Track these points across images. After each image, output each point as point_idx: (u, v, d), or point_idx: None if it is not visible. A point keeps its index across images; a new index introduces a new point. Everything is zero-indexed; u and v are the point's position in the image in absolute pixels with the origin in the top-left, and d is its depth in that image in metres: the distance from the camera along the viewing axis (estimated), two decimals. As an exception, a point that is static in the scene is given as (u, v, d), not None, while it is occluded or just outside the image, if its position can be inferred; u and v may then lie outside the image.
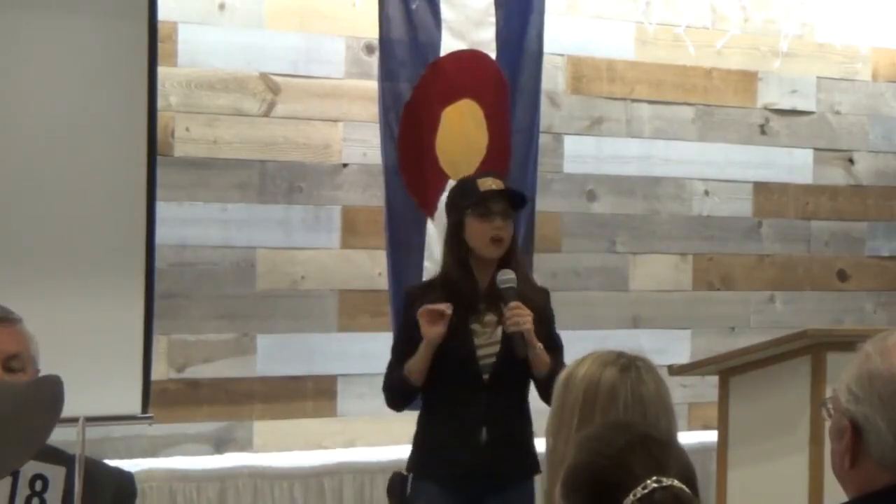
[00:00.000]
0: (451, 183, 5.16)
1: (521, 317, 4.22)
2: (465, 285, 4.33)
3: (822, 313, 6.53)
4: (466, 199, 4.35)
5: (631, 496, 1.78)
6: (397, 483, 4.33)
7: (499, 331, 4.31)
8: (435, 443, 4.35)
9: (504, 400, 4.35)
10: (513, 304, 4.24)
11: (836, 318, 6.58)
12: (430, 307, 4.25)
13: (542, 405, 4.36)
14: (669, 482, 1.79)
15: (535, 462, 4.43)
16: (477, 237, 4.31)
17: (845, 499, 2.19)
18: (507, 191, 4.39)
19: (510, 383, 4.35)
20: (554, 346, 4.36)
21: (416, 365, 4.28)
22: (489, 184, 4.38)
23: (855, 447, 2.14)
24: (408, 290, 4.60)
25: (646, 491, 1.78)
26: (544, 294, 4.51)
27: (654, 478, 1.79)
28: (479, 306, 4.33)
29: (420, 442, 4.42)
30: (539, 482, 4.47)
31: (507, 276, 4.30)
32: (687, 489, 1.80)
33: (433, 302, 4.26)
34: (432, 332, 4.23)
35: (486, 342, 4.32)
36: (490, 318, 4.33)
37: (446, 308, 4.24)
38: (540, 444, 4.51)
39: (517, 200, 4.43)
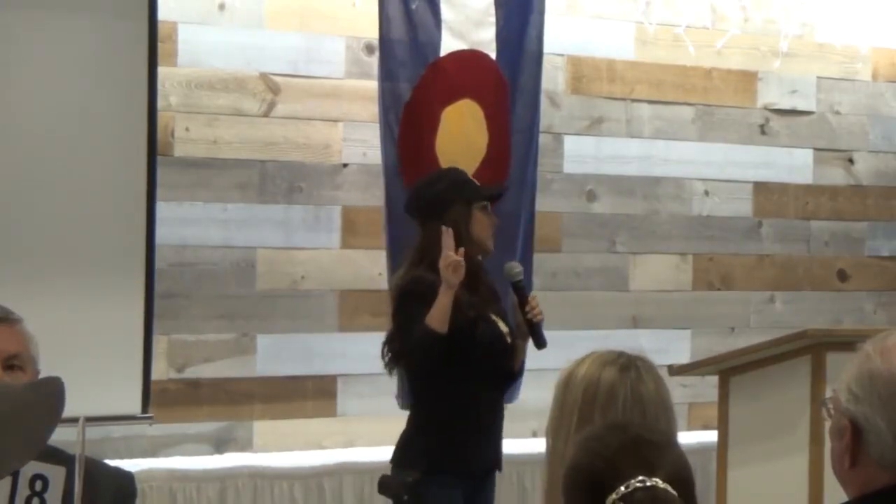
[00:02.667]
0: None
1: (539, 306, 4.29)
2: (483, 278, 4.35)
3: (822, 313, 6.53)
4: (472, 194, 4.38)
5: (613, 495, 1.80)
6: (414, 488, 4.20)
7: (500, 323, 4.33)
8: (463, 438, 4.27)
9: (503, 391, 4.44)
10: (533, 293, 4.29)
11: (836, 318, 6.58)
12: (455, 256, 4.16)
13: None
14: (653, 482, 1.80)
15: None
16: (484, 230, 4.35)
17: (845, 499, 2.19)
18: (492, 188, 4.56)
19: None
20: None
21: (439, 314, 4.15)
22: (476, 180, 4.51)
23: (855, 447, 2.14)
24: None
25: (627, 490, 1.80)
26: None
27: (640, 477, 1.81)
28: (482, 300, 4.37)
29: (443, 438, 4.28)
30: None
31: (518, 269, 4.33)
32: (672, 490, 1.81)
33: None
34: (458, 277, 4.15)
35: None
36: (492, 310, 4.36)
37: (459, 253, 4.18)
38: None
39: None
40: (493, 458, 4.40)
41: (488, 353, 4.26)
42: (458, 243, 4.24)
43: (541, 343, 4.31)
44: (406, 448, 4.37)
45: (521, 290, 4.30)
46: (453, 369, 4.21)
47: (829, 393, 2.30)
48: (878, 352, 2.15)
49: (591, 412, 2.43)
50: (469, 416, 4.26)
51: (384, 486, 4.14)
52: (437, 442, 4.28)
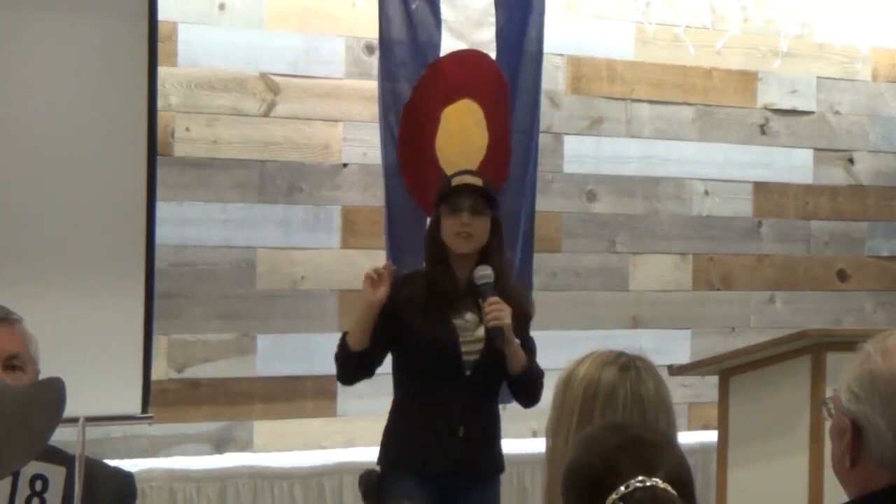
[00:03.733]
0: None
1: (501, 311, 4.22)
2: (444, 280, 4.32)
3: (822, 313, 6.53)
4: (441, 195, 4.37)
5: (614, 495, 1.80)
6: (372, 480, 4.28)
7: (481, 328, 4.30)
8: (412, 437, 4.30)
9: (482, 398, 4.36)
10: (491, 298, 4.25)
11: (836, 318, 6.58)
12: (371, 270, 4.25)
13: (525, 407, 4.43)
14: (653, 482, 1.81)
15: (501, 460, 4.46)
16: (447, 232, 4.31)
17: (845, 499, 2.19)
18: (477, 186, 4.35)
19: (489, 382, 4.36)
20: (526, 348, 4.34)
21: (355, 328, 4.26)
22: (462, 179, 4.40)
23: (855, 447, 2.14)
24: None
25: (628, 490, 1.80)
26: (524, 293, 4.53)
27: (640, 477, 1.81)
28: (459, 303, 4.33)
29: (395, 436, 4.37)
30: (504, 480, 4.53)
31: (484, 273, 4.30)
32: (671, 490, 1.81)
33: (414, 291, 4.27)
34: (374, 295, 4.21)
35: (470, 339, 4.30)
36: (471, 315, 4.32)
37: (385, 267, 4.26)
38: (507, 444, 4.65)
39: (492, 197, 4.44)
40: (466, 461, 4.32)
41: (434, 356, 4.25)
42: (436, 248, 4.31)
43: (497, 346, 4.24)
44: (381, 445, 4.42)
45: (483, 294, 4.28)
46: (412, 371, 4.28)
47: (829, 393, 2.30)
48: (878, 352, 2.15)
49: (591, 412, 2.43)
50: (427, 418, 4.27)
51: (359, 480, 4.28)
52: (396, 440, 4.35)
